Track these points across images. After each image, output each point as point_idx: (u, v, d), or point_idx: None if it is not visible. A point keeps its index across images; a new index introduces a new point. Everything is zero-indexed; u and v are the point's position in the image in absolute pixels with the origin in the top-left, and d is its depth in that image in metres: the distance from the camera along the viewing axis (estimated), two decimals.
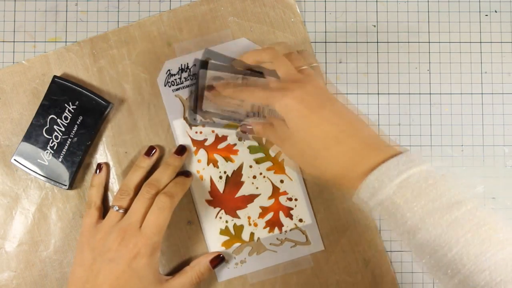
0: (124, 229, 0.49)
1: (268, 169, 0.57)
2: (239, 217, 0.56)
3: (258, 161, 0.57)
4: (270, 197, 0.57)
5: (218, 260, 0.55)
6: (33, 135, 0.54)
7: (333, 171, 0.43)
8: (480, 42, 0.59)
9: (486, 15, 0.59)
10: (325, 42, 0.58)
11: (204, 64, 0.54)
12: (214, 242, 0.56)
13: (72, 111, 0.55)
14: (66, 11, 0.58)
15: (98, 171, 0.55)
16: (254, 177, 0.57)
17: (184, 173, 0.55)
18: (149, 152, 0.54)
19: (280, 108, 0.45)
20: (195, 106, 0.54)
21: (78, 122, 0.55)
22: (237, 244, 0.56)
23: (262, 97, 0.47)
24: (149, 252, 0.48)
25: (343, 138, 0.43)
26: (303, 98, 0.44)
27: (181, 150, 0.55)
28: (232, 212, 0.56)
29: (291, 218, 0.56)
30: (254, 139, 0.56)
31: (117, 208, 0.51)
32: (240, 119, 0.54)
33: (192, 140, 0.57)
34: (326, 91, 0.46)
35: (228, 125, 0.56)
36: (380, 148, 0.42)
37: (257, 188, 0.57)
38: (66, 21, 0.58)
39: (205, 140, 0.57)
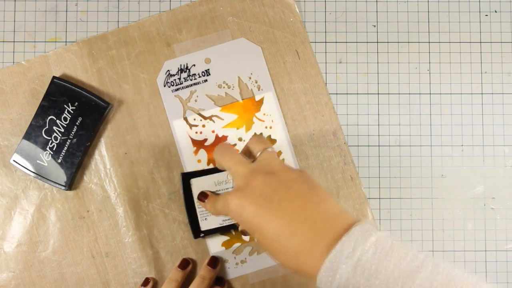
0: None
1: None
2: None
3: None
4: None
5: (214, 261, 0.55)
6: (32, 135, 0.54)
7: (294, 259, 0.42)
8: (480, 42, 0.59)
9: (486, 15, 0.59)
10: (325, 42, 0.58)
11: (186, 178, 0.54)
12: (214, 242, 0.56)
13: (72, 112, 0.54)
14: (66, 11, 0.58)
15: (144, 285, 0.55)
16: None
17: (219, 283, 0.55)
18: (182, 265, 0.54)
19: (231, 216, 0.45)
20: (195, 231, 0.54)
21: (77, 123, 0.54)
22: (238, 244, 0.56)
23: (222, 207, 0.46)
24: None
25: (295, 228, 0.41)
26: (243, 204, 0.43)
27: (215, 262, 0.55)
28: None
29: None
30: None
31: None
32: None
33: (192, 140, 0.57)
34: (275, 178, 0.44)
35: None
36: (335, 225, 0.41)
37: None
38: (66, 21, 0.58)
39: (205, 140, 0.57)
